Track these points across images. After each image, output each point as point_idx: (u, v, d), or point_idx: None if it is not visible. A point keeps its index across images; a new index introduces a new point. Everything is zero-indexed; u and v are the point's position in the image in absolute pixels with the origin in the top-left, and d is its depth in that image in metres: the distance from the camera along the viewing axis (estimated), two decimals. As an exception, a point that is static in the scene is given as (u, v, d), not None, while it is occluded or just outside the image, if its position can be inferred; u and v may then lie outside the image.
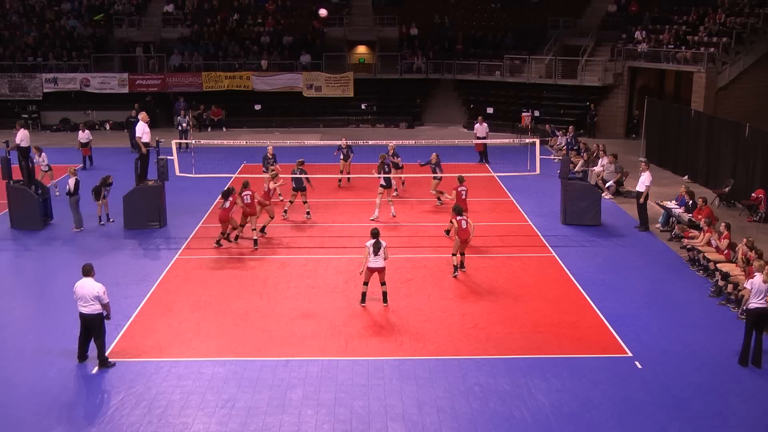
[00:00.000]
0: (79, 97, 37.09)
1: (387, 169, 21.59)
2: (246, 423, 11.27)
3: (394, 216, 21.51)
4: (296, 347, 13.66)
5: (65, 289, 14.25)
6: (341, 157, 25.31)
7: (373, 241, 15.03)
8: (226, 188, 19.52)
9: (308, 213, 21.53)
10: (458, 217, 17.02)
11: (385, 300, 15.37)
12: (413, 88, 39.44)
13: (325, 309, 15.31)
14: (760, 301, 12.77)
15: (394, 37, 40.50)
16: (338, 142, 25.39)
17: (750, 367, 12.98)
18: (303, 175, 21.19)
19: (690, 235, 18.55)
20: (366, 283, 15.34)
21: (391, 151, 23.55)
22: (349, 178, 25.60)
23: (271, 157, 23.23)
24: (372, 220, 20.95)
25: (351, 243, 19.46)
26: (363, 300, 15.39)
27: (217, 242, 19.12)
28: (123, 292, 16.04)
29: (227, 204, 18.82)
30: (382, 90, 39.28)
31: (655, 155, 28.78)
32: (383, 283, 15.34)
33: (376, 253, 14.99)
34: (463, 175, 20.19)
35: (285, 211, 21.54)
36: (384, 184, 21.33)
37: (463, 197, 19.55)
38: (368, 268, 15.12)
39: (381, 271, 15.20)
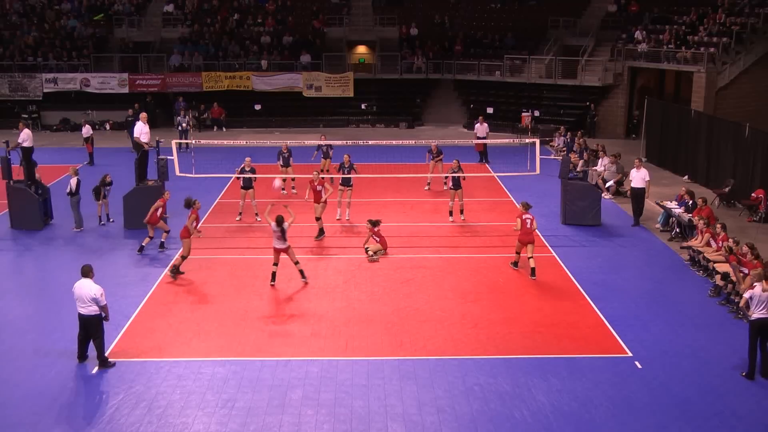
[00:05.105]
0: (79, 97, 37.07)
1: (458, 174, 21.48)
2: (246, 423, 11.27)
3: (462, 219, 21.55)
4: (296, 347, 13.66)
5: (65, 289, 14.24)
6: (281, 163, 23.60)
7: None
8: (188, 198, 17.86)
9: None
10: (376, 228, 18.48)
11: (302, 276, 16.62)
12: (413, 88, 39.43)
13: (325, 309, 15.31)
14: (762, 311, 12.43)
15: (394, 37, 40.49)
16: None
17: (757, 379, 12.54)
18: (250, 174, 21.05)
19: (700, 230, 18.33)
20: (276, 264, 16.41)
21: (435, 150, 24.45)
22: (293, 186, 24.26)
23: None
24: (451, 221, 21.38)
25: (351, 243, 19.48)
26: (273, 279, 16.46)
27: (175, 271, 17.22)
28: (123, 292, 16.05)
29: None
30: (382, 90, 39.23)
31: (655, 155, 28.78)
32: (297, 262, 16.56)
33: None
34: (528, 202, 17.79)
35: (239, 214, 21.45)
36: (453, 186, 21.09)
37: (528, 226, 17.00)
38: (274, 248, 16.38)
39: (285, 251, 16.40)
